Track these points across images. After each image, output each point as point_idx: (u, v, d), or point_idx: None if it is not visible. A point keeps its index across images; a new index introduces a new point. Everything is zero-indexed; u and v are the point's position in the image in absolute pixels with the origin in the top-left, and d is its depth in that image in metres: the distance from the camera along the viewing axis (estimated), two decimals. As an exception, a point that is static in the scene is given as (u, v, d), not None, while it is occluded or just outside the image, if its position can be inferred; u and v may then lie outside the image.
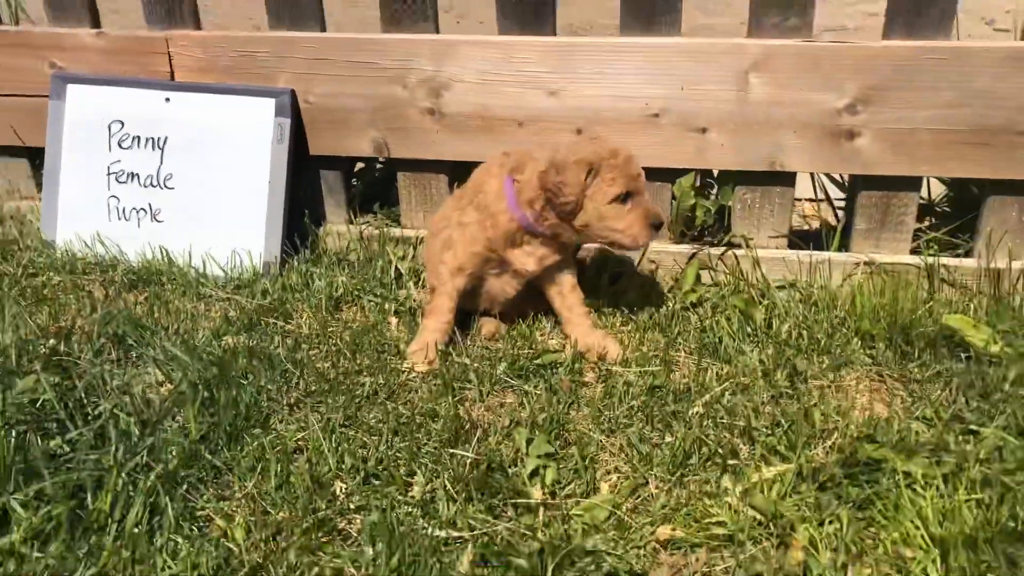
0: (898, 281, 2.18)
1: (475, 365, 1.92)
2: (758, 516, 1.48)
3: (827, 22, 5.63)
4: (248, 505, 1.50)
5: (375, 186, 2.67)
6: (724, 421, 1.71)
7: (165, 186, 2.41)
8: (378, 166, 2.76)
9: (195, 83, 2.40)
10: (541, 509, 1.50)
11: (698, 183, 2.34)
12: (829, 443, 1.64)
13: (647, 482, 1.58)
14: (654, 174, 2.25)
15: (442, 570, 1.36)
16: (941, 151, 2.10)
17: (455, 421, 1.70)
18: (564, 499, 1.54)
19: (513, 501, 1.51)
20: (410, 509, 1.50)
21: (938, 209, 2.48)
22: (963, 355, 1.93)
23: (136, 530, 1.40)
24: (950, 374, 1.87)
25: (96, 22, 2.50)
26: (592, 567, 1.38)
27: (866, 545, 1.42)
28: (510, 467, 1.59)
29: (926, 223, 2.41)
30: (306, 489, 1.52)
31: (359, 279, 2.31)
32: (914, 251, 2.27)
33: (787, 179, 2.24)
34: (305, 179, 2.48)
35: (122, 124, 2.42)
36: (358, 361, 1.94)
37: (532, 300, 2.11)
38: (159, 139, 2.40)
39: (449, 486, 1.53)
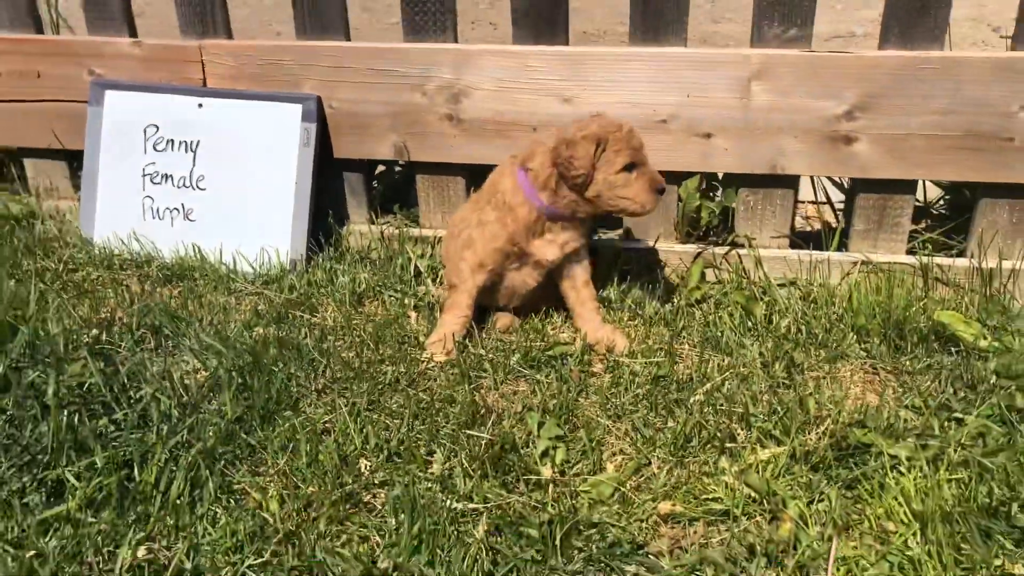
0: (894, 280, 2.28)
1: (490, 356, 2.04)
2: (752, 493, 1.59)
3: (837, 28, 5.72)
4: (280, 480, 1.62)
5: (395, 188, 2.80)
6: (723, 408, 1.82)
7: (197, 187, 2.55)
8: (398, 169, 2.88)
9: (226, 89, 2.54)
10: (551, 485, 1.62)
11: (703, 185, 2.46)
12: (822, 428, 1.75)
13: (650, 462, 1.69)
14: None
15: (459, 538, 1.48)
16: (935, 156, 2.21)
17: (471, 406, 1.82)
18: (572, 477, 1.65)
19: (525, 478, 1.63)
20: (430, 484, 1.61)
21: (934, 211, 2.58)
22: (953, 349, 2.04)
23: (179, 500, 1.53)
24: (940, 367, 1.97)
25: (133, 32, 2.64)
26: (597, 537, 1.49)
27: (852, 520, 1.53)
28: (523, 448, 1.71)
29: (923, 224, 2.51)
30: (334, 466, 1.65)
31: (380, 276, 2.43)
32: (910, 251, 2.37)
33: (788, 182, 2.35)
34: (329, 181, 2.61)
35: (157, 128, 2.56)
36: (380, 351, 2.06)
37: (545, 295, 2.23)
38: (192, 142, 2.54)
39: (466, 464, 1.65)
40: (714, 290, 2.35)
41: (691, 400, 1.85)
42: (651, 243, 2.45)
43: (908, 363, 2.01)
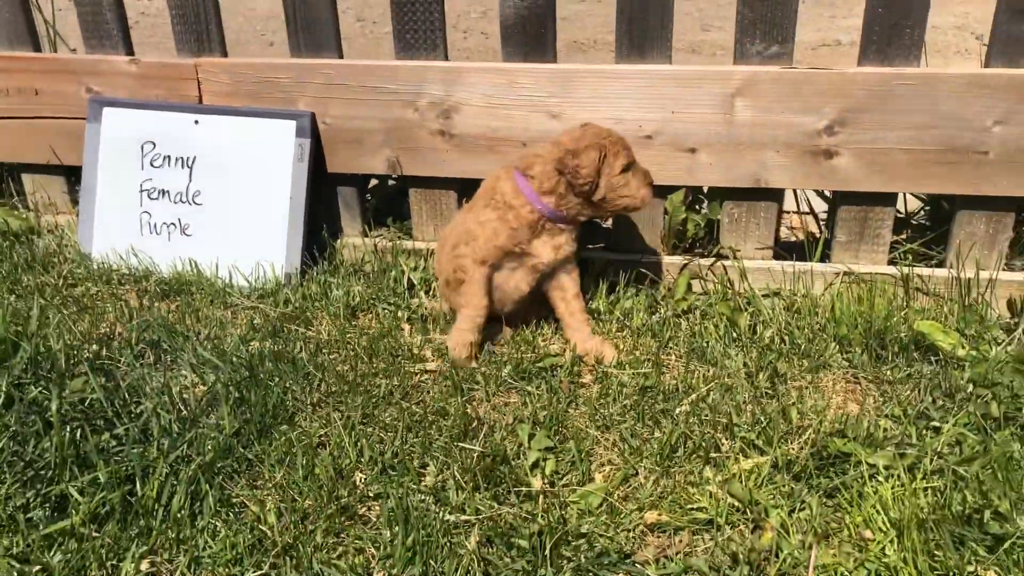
0: (875, 290, 2.34)
1: (482, 368, 2.09)
2: (736, 503, 1.64)
3: (823, 36, 5.80)
4: (278, 493, 1.67)
5: (388, 201, 2.85)
6: (708, 418, 1.87)
7: (194, 202, 2.59)
8: (390, 183, 2.93)
9: (222, 106, 2.58)
10: (541, 496, 1.67)
11: (689, 199, 2.51)
12: (804, 438, 1.80)
13: (637, 472, 1.75)
14: (648, 190, 2.44)
15: (452, 549, 1.53)
16: (914, 169, 2.27)
17: (464, 418, 1.87)
18: (562, 488, 1.70)
19: (516, 489, 1.68)
20: (423, 496, 1.66)
21: (915, 222, 2.63)
22: (933, 358, 2.10)
23: (180, 514, 1.58)
24: (919, 376, 2.03)
25: (130, 50, 2.69)
26: (586, 547, 1.55)
27: (831, 528, 1.59)
28: (513, 459, 1.76)
29: (903, 235, 2.57)
30: (329, 479, 1.70)
31: (374, 289, 2.48)
32: (891, 262, 2.43)
33: (772, 195, 2.41)
34: (323, 195, 2.66)
35: (154, 144, 2.60)
36: (374, 364, 2.11)
37: (536, 307, 2.28)
38: (188, 158, 2.59)
39: (458, 476, 1.70)
40: (700, 301, 2.40)
41: (677, 410, 1.91)
42: (638, 255, 2.50)
43: (889, 372, 2.06)
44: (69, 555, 1.48)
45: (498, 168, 2.21)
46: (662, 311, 2.37)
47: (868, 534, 1.56)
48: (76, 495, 1.59)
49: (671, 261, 2.49)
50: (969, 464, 1.68)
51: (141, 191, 2.63)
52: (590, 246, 2.59)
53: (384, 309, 2.40)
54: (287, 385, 1.99)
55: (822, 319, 2.28)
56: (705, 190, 2.58)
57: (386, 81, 2.48)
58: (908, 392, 1.98)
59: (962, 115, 2.18)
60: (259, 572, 1.49)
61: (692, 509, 1.64)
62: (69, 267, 2.58)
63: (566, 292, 2.22)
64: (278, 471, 1.72)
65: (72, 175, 2.88)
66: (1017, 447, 1.72)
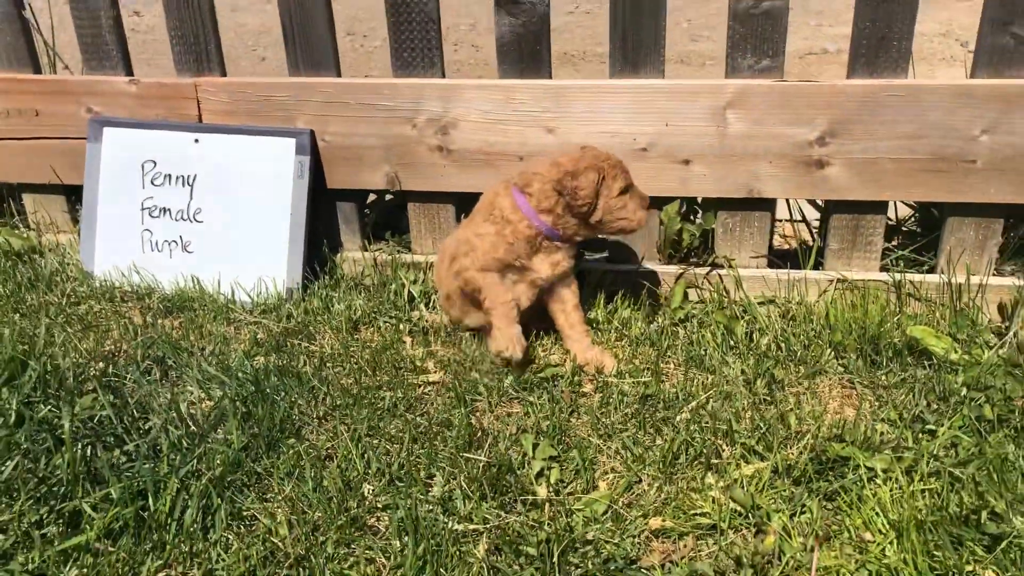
0: (868, 296, 2.39)
1: (484, 379, 2.12)
2: (738, 508, 1.68)
3: (811, 45, 5.88)
4: (287, 505, 1.69)
5: (387, 215, 2.88)
6: (709, 425, 1.91)
7: (195, 220, 2.62)
8: (388, 197, 2.97)
9: (222, 125, 2.62)
10: (547, 505, 1.70)
11: (683, 209, 2.55)
12: (802, 443, 1.84)
13: (640, 480, 1.78)
14: (644, 202, 2.48)
15: (461, 558, 1.56)
16: (903, 178, 2.32)
17: (468, 429, 1.90)
18: (567, 496, 1.73)
19: (522, 498, 1.71)
20: (431, 507, 1.69)
21: (905, 229, 2.68)
22: (927, 363, 2.14)
23: (193, 528, 1.60)
24: (914, 380, 2.07)
25: (129, 70, 2.72)
26: (592, 553, 1.58)
27: (832, 531, 1.62)
28: (518, 469, 1.79)
29: (895, 242, 2.62)
30: (338, 490, 1.72)
31: (375, 302, 2.51)
32: (883, 268, 2.48)
33: (765, 205, 2.45)
34: (323, 210, 2.69)
35: (154, 163, 2.64)
36: (378, 377, 2.14)
37: (536, 319, 2.32)
38: (189, 176, 2.62)
39: (465, 486, 1.73)
40: (697, 309, 2.44)
41: (678, 418, 1.94)
42: (635, 265, 2.55)
43: (884, 377, 2.10)
44: (85, 570, 1.50)
45: (496, 184, 2.25)
46: (659, 320, 2.41)
47: (868, 536, 1.59)
48: (90, 511, 1.61)
49: (667, 271, 2.53)
50: (965, 466, 1.72)
51: (142, 209, 2.65)
52: (588, 257, 2.63)
53: (385, 322, 2.43)
54: (293, 399, 2.02)
55: (817, 326, 2.32)
56: (699, 200, 2.63)
57: (385, 99, 2.51)
58: (903, 396, 2.02)
59: (950, 125, 2.23)
60: (273, 584, 1.51)
61: (695, 514, 1.67)
62: (72, 285, 2.61)
63: (566, 304, 2.26)
64: (287, 484, 1.75)
65: (72, 194, 2.90)
66: (1011, 448, 1.76)
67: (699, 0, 7.71)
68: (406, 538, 1.59)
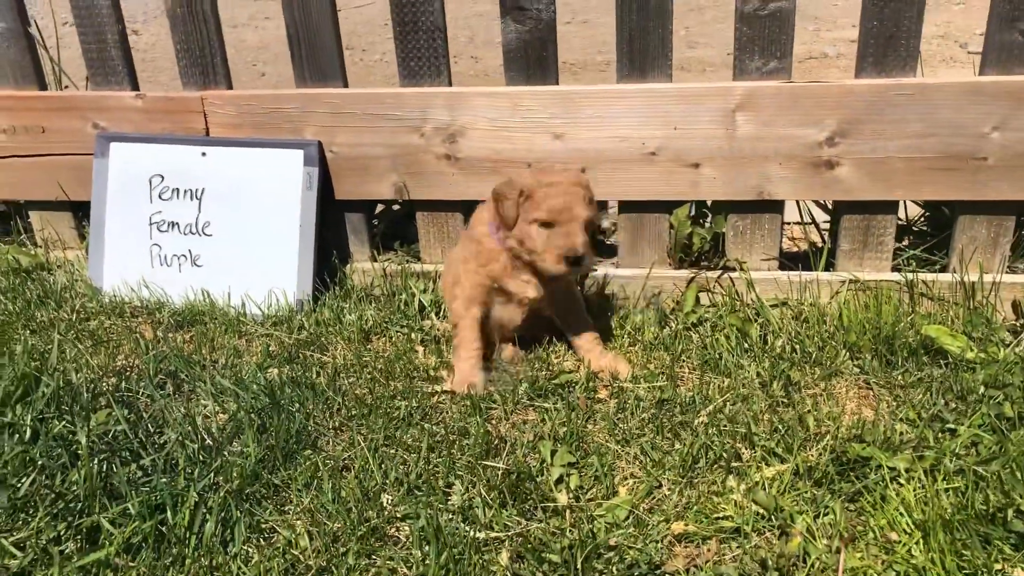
0: (881, 296, 2.38)
1: (499, 387, 2.11)
2: (761, 510, 1.66)
3: (810, 49, 5.89)
4: (307, 517, 1.68)
5: (395, 225, 2.88)
6: (727, 428, 1.90)
7: (204, 233, 2.62)
8: (396, 207, 2.96)
9: (229, 138, 2.61)
10: (567, 511, 1.68)
11: (693, 213, 2.55)
12: (822, 444, 1.82)
13: (660, 484, 1.77)
14: (653, 206, 2.49)
15: (484, 566, 1.54)
16: (914, 177, 2.31)
17: (485, 437, 1.89)
18: (587, 502, 1.72)
19: (542, 505, 1.70)
20: (451, 515, 1.68)
21: (915, 229, 2.68)
22: (942, 362, 2.13)
23: (212, 541, 1.59)
24: (930, 379, 2.06)
25: (135, 85, 2.72)
26: (616, 559, 1.56)
27: (857, 532, 1.61)
28: (537, 476, 1.78)
29: (905, 242, 2.61)
30: (357, 501, 1.71)
31: (386, 312, 2.50)
32: (895, 268, 2.47)
33: (775, 207, 2.45)
34: (331, 221, 2.69)
35: (162, 178, 2.63)
36: (392, 387, 2.13)
37: (546, 327, 2.31)
38: (197, 190, 2.61)
39: (484, 494, 1.72)
40: (709, 313, 2.43)
41: (695, 422, 1.93)
42: (645, 270, 2.54)
43: (900, 377, 2.09)
44: (105, 586, 1.49)
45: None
46: (672, 325, 2.40)
47: (893, 536, 1.58)
48: (108, 526, 1.59)
49: (678, 275, 2.52)
50: (988, 464, 1.71)
51: (151, 224, 2.65)
52: (597, 262, 2.62)
53: (397, 332, 2.42)
54: (308, 410, 2.00)
55: (830, 327, 2.31)
56: (709, 204, 2.62)
57: (392, 108, 2.51)
58: (920, 396, 2.01)
59: (959, 122, 2.23)
60: (295, 596, 1.50)
61: (718, 518, 1.66)
62: (81, 301, 2.60)
63: (569, 317, 2.25)
64: (305, 495, 1.73)
65: (80, 210, 2.90)
66: (1033, 445, 1.75)
67: (695, 8, 7.75)
68: (427, 547, 1.57)
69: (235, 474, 1.75)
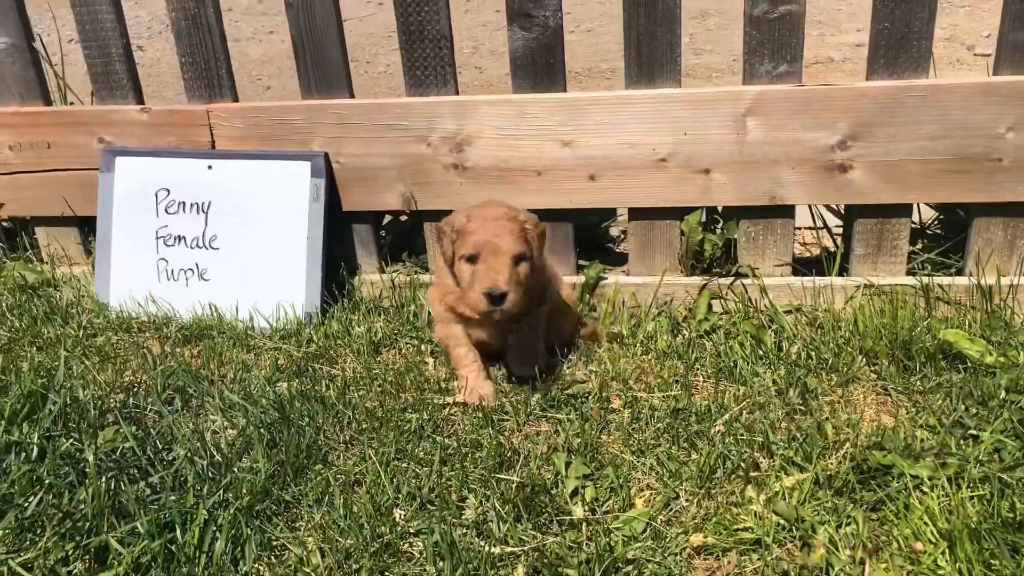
0: (897, 301, 2.34)
1: (510, 398, 2.08)
2: (781, 521, 1.63)
3: (816, 54, 5.86)
4: (318, 533, 1.65)
5: (403, 236, 2.86)
6: (744, 437, 1.86)
7: (210, 247, 2.60)
8: (403, 218, 2.94)
9: (235, 150, 2.60)
10: (584, 524, 1.65)
11: (704, 219, 2.52)
12: (841, 452, 1.79)
13: (678, 496, 1.73)
14: (664, 213, 2.46)
15: (500, 582, 1.52)
16: (928, 179, 2.28)
17: (498, 449, 1.86)
18: (604, 514, 1.69)
19: (558, 518, 1.67)
20: (465, 530, 1.65)
21: (929, 232, 2.64)
22: (961, 366, 2.09)
23: (223, 559, 1.56)
24: (949, 385, 2.02)
25: (140, 99, 2.71)
26: (635, 573, 1.53)
27: (881, 542, 1.57)
28: (552, 488, 1.75)
29: (919, 245, 2.58)
30: (369, 516, 1.68)
31: (395, 324, 2.48)
32: (909, 272, 2.44)
33: (787, 212, 2.42)
34: (339, 233, 2.66)
35: (168, 191, 2.61)
36: (402, 399, 2.10)
37: (556, 333, 2.28)
38: (203, 204, 2.59)
39: (499, 507, 1.68)
40: (722, 320, 2.40)
41: (712, 431, 1.90)
42: (658, 277, 2.51)
43: (918, 383, 2.06)
44: (114, 607, 1.46)
45: None
46: (685, 332, 2.37)
47: (918, 546, 1.54)
48: (117, 545, 1.57)
49: (690, 282, 2.49)
50: (1012, 471, 1.67)
51: (157, 238, 2.63)
52: (608, 271, 2.59)
53: (406, 344, 2.40)
54: (318, 424, 1.98)
55: (846, 332, 2.28)
56: (720, 209, 2.59)
57: (399, 118, 2.49)
58: (940, 401, 1.97)
59: (973, 123, 2.20)
60: (307, 615, 1.46)
61: (738, 529, 1.62)
62: (88, 317, 2.58)
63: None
64: (316, 511, 1.70)
65: (86, 226, 2.88)
66: (1059, 451, 1.71)
67: (698, 16, 7.73)
68: (441, 563, 1.54)
69: (245, 490, 1.72)
